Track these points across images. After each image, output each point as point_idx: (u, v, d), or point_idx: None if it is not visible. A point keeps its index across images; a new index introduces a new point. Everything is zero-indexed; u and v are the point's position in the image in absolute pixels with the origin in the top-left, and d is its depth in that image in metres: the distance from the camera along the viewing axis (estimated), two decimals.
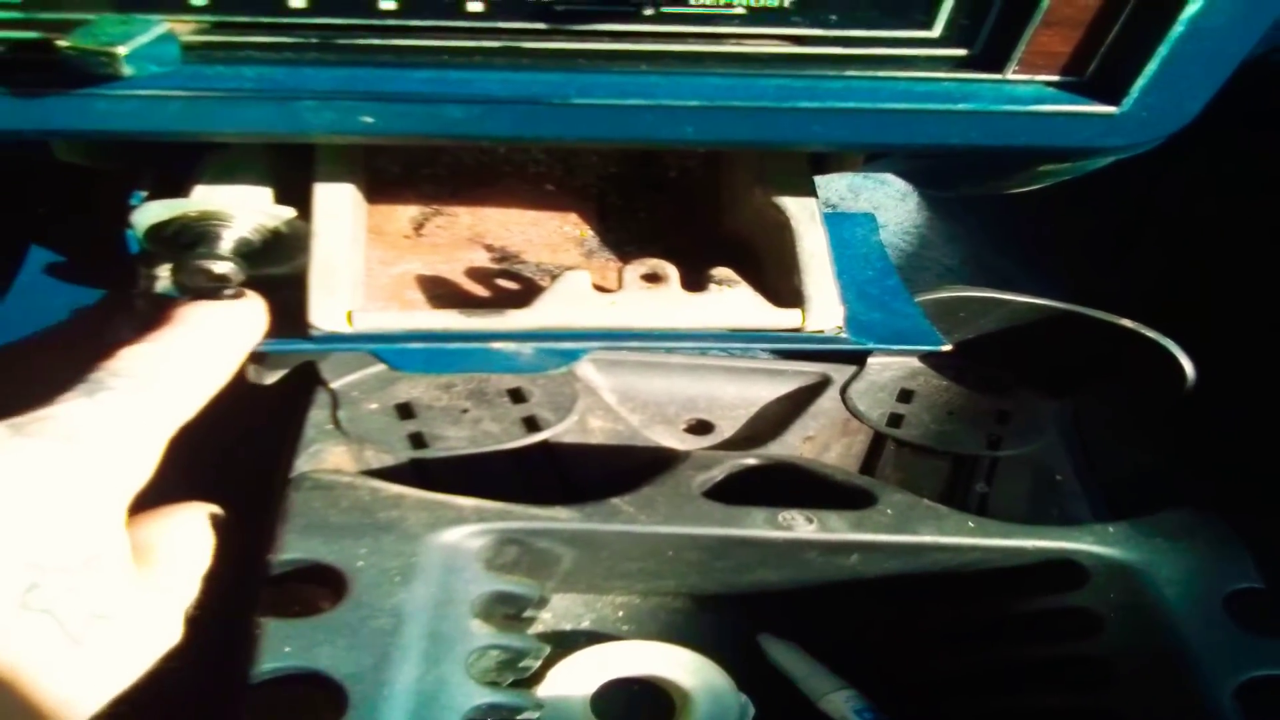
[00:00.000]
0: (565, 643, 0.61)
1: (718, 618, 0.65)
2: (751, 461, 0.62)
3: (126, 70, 0.34)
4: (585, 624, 0.64)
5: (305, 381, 0.64)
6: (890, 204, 0.87)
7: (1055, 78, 0.41)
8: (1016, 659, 0.59)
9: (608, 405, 0.68)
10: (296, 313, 0.46)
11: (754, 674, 0.61)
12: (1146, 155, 0.86)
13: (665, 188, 0.60)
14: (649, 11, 0.37)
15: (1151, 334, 0.62)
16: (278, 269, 0.51)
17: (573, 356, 0.48)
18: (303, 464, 0.60)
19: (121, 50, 0.34)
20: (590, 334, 0.48)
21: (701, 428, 0.70)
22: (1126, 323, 0.63)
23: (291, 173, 0.51)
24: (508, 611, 0.56)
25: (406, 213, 0.57)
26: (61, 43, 0.34)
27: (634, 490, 0.56)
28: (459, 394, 0.66)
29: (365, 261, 0.54)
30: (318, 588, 0.51)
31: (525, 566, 0.57)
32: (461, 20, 0.37)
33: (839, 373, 0.71)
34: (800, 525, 0.56)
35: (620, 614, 0.65)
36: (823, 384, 0.71)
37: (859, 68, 0.40)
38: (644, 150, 0.59)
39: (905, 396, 0.71)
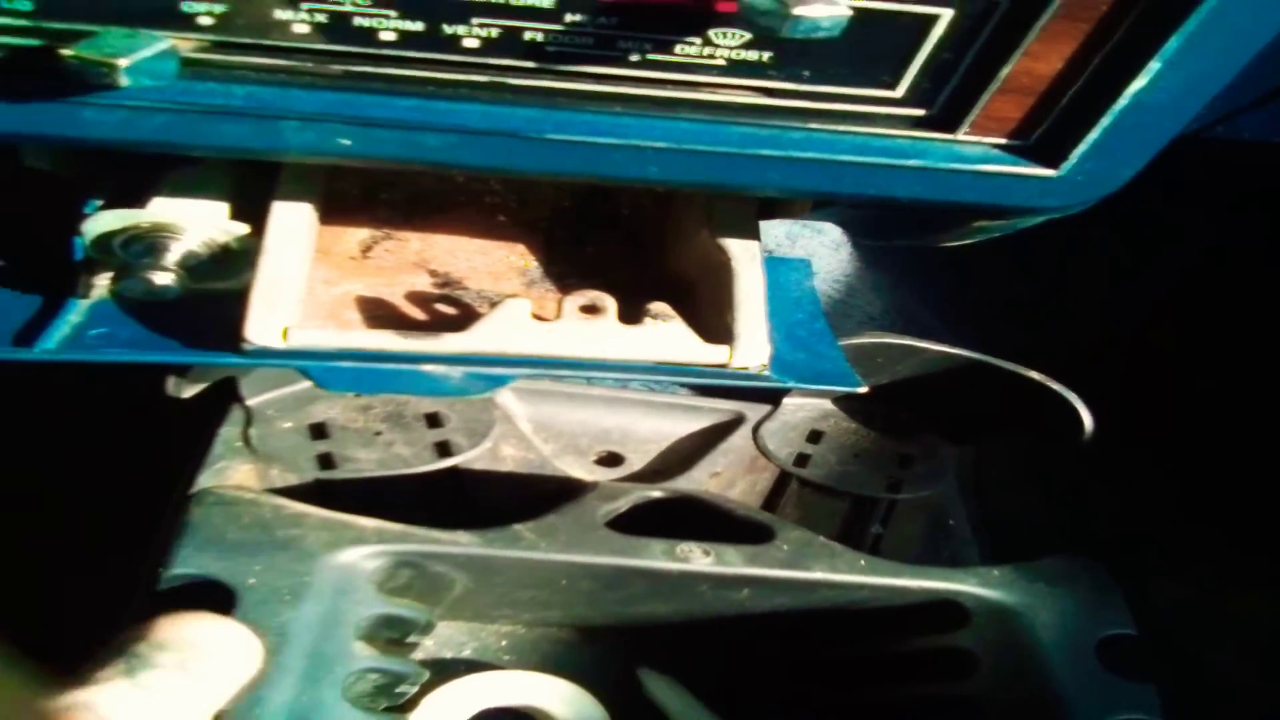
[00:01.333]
0: (445, 670, 0.61)
1: (601, 650, 0.66)
2: (656, 494, 0.63)
3: (124, 81, 0.34)
4: (467, 652, 0.65)
5: (222, 397, 0.65)
6: (824, 252, 0.89)
7: (1003, 140, 0.42)
8: (895, 698, 0.61)
9: (522, 434, 0.69)
10: (230, 327, 0.46)
11: (633, 708, 0.62)
12: (1068, 220, 0.90)
13: (616, 224, 0.62)
14: (635, 58, 0.38)
15: (1055, 386, 0.65)
16: (220, 284, 0.51)
17: (500, 382, 0.48)
18: (206, 480, 0.61)
19: (123, 63, 0.34)
20: (522, 360, 0.48)
21: (611, 460, 0.72)
22: (1033, 374, 0.65)
23: (249, 189, 0.51)
24: (392, 635, 0.56)
25: (357, 235, 0.58)
26: (65, 51, 0.34)
27: (538, 518, 0.57)
28: (376, 416, 0.67)
29: (308, 281, 0.54)
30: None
31: (417, 591, 0.58)
32: (457, 54, 0.38)
33: (754, 411, 0.73)
34: (697, 558, 0.57)
35: (503, 643, 0.65)
36: (736, 421, 0.72)
37: (822, 121, 0.41)
38: (599, 186, 0.60)
39: (815, 437, 0.73)
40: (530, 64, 0.38)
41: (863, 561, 0.59)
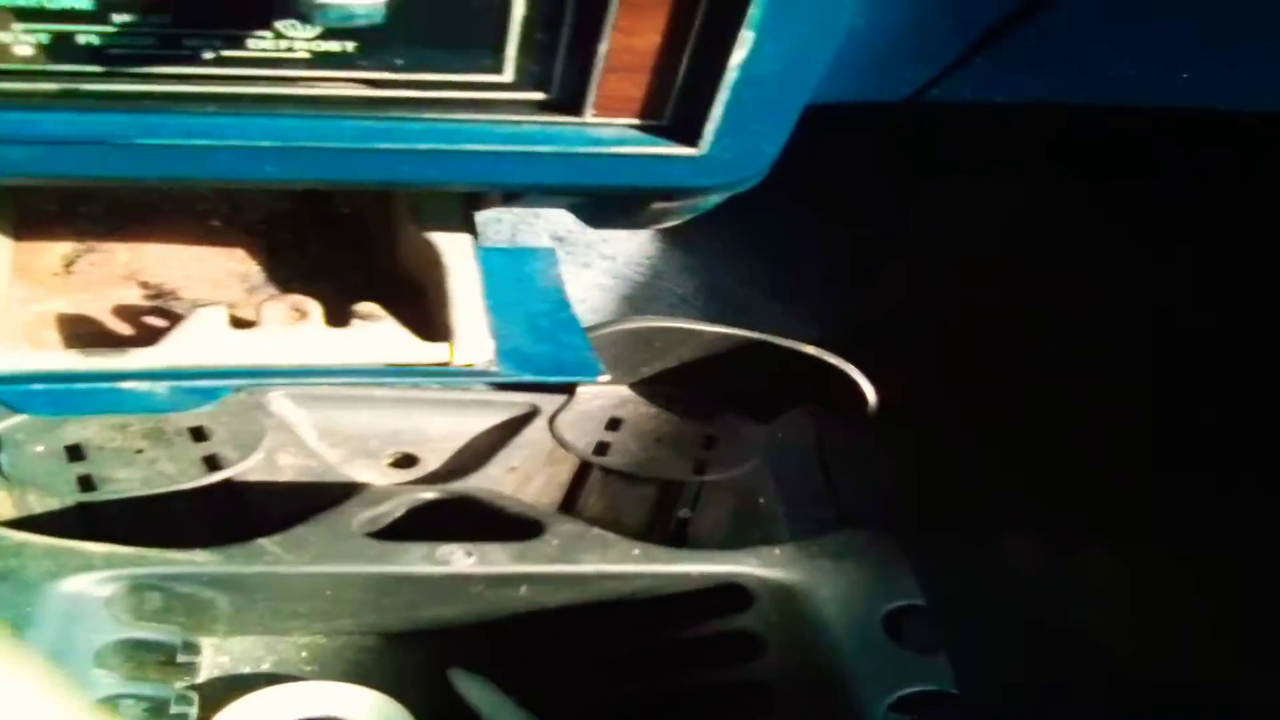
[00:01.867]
0: (242, 685, 0.58)
1: (407, 655, 0.64)
2: (427, 496, 0.61)
3: None
4: (266, 666, 0.62)
5: None
6: (622, 235, 0.88)
7: (635, 120, 0.41)
8: (690, 685, 0.60)
9: (300, 441, 0.67)
10: None
11: (444, 712, 0.60)
12: (888, 183, 0.89)
13: (338, 224, 0.60)
14: (208, 55, 0.36)
15: (833, 360, 0.64)
16: None
17: (213, 395, 0.47)
18: None
19: None
20: (224, 372, 0.47)
21: (406, 461, 0.69)
22: (809, 349, 0.64)
23: None
24: (154, 659, 0.54)
25: (58, 249, 0.55)
26: None
27: (286, 529, 0.55)
28: (134, 434, 0.64)
29: (4, 300, 0.52)
30: None
31: (180, 612, 0.56)
32: (11, 63, 0.35)
33: (549, 402, 0.71)
34: (459, 559, 0.55)
35: (304, 654, 0.63)
36: (531, 414, 0.71)
37: (439, 110, 0.39)
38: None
39: (614, 425, 0.71)
40: (95, 68, 0.36)
41: (636, 550, 0.58)
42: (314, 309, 0.48)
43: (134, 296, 0.54)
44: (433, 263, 0.52)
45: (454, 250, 0.52)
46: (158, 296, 0.53)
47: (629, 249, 0.89)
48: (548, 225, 0.85)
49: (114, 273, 0.54)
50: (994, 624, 0.76)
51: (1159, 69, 0.50)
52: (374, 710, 0.58)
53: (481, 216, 0.58)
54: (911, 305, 0.93)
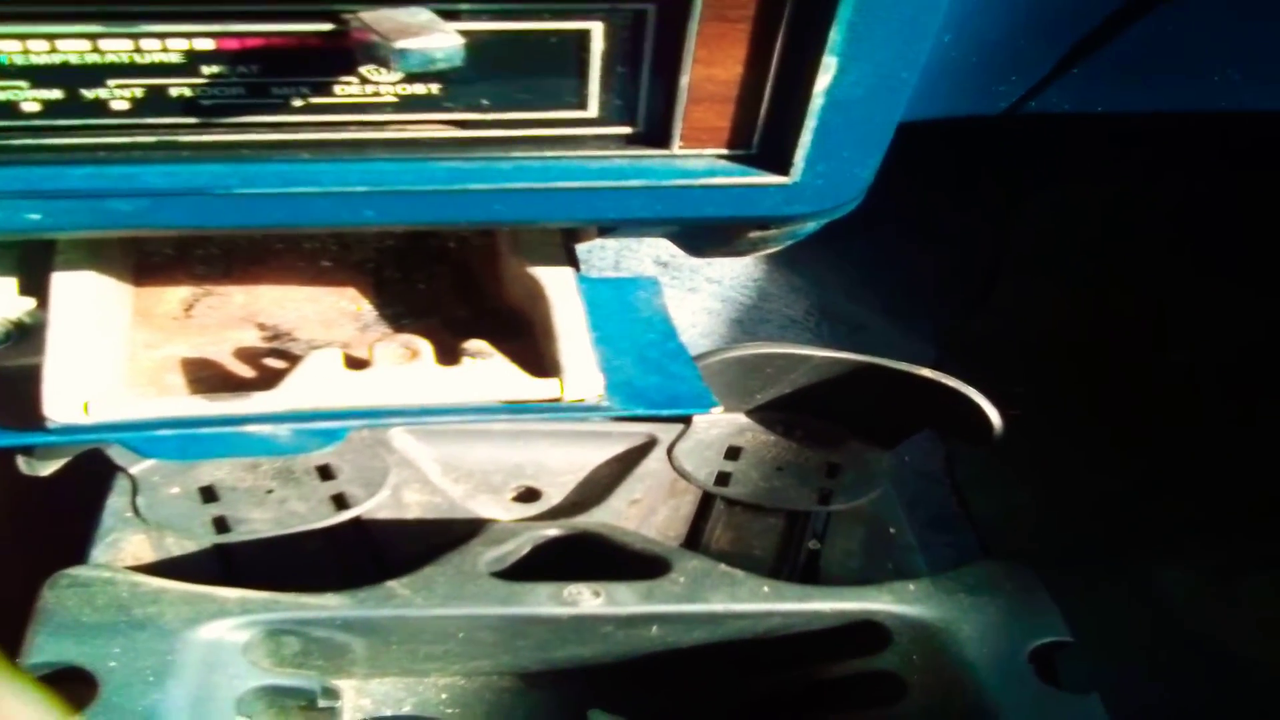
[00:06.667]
0: None
1: (546, 696, 0.63)
2: (551, 533, 0.61)
3: None
4: (407, 708, 0.62)
5: (106, 468, 0.63)
6: (727, 259, 0.86)
7: (723, 151, 0.41)
8: None
9: (425, 477, 0.67)
10: (35, 403, 0.45)
11: None
12: (995, 196, 0.86)
13: (443, 259, 0.60)
14: (298, 103, 0.37)
15: (954, 383, 0.61)
16: (28, 360, 0.50)
17: (336, 436, 0.47)
18: (99, 554, 0.59)
19: None
20: (342, 413, 0.47)
21: (529, 495, 0.69)
22: (927, 373, 0.62)
23: (40, 263, 0.50)
24: (300, 704, 0.54)
25: (177, 294, 0.56)
26: None
27: (414, 571, 0.55)
28: (265, 474, 0.65)
29: (129, 345, 0.53)
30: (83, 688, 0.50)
31: (318, 656, 0.56)
32: (109, 118, 0.37)
33: (666, 432, 0.70)
34: (586, 599, 0.54)
35: (444, 696, 0.62)
36: (649, 445, 0.69)
37: (527, 149, 0.39)
38: None
39: (733, 454, 0.70)
40: (190, 120, 0.37)
41: (766, 588, 0.56)
42: (425, 348, 0.48)
43: (252, 338, 0.54)
44: (537, 296, 0.51)
45: (556, 283, 0.51)
46: (275, 338, 0.53)
47: (735, 272, 0.88)
48: (651, 251, 0.85)
49: (231, 315, 0.55)
50: (1145, 659, 0.72)
51: (1266, 74, 0.48)
52: None
53: (584, 244, 0.58)
54: (1028, 318, 0.90)
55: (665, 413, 0.51)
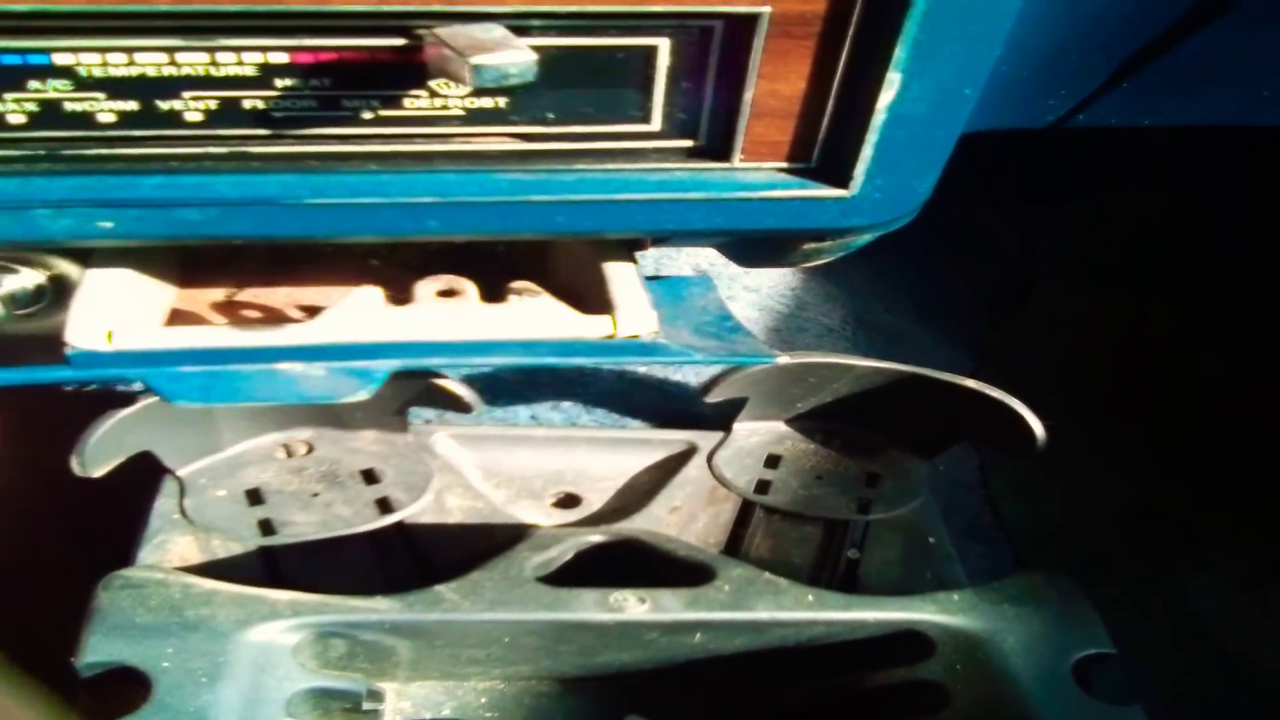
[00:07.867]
0: None
1: (585, 702, 0.63)
2: (595, 539, 0.61)
3: None
4: (446, 711, 0.62)
5: (154, 470, 0.64)
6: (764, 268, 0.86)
7: (784, 164, 0.41)
8: None
9: (467, 483, 0.68)
10: (56, 345, 0.44)
11: None
12: (1032, 207, 0.86)
13: (494, 260, 0.60)
14: (368, 115, 0.38)
15: (996, 394, 0.61)
16: (51, 321, 0.49)
17: (369, 377, 0.44)
18: (146, 555, 0.60)
19: None
20: (380, 348, 0.45)
21: (569, 501, 0.69)
22: (970, 383, 0.62)
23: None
24: (341, 706, 0.55)
25: (221, 292, 0.57)
26: None
27: (462, 575, 0.55)
28: (310, 477, 0.66)
29: (161, 310, 0.52)
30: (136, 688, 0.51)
31: (363, 659, 0.56)
32: (182, 129, 0.38)
33: (706, 440, 0.70)
34: (632, 606, 0.55)
35: (484, 700, 0.63)
36: (689, 452, 0.70)
37: (591, 161, 0.40)
38: None
39: (773, 462, 0.70)
40: (262, 131, 0.37)
41: (810, 596, 0.56)
42: (469, 287, 0.47)
43: (289, 312, 0.53)
44: (594, 279, 0.51)
45: (613, 265, 0.51)
46: (312, 314, 0.53)
47: (773, 280, 0.88)
48: (690, 259, 0.85)
49: (273, 302, 0.55)
50: (1176, 668, 0.71)
51: None
52: None
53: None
54: (1063, 328, 0.89)
55: (723, 361, 0.51)
